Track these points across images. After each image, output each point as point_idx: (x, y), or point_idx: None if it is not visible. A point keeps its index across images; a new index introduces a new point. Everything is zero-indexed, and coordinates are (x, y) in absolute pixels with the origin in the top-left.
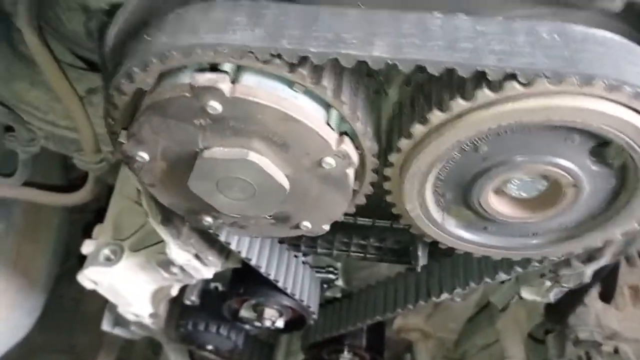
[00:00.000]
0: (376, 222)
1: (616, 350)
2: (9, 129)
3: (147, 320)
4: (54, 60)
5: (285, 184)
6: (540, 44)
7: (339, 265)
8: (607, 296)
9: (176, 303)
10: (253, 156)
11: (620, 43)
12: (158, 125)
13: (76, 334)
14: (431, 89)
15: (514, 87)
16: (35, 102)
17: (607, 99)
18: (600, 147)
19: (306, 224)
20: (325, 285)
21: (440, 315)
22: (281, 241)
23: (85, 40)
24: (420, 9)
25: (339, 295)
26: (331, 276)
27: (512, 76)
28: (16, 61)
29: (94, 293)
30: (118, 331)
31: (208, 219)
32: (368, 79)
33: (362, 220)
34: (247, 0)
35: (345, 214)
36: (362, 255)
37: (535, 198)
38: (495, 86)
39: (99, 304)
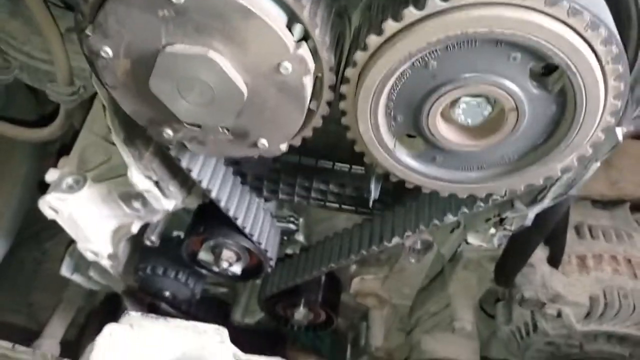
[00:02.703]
0: (336, 164)
1: (559, 315)
2: None
3: (106, 262)
4: None
5: (244, 88)
6: None
7: (301, 220)
8: (554, 262)
9: (136, 251)
10: (213, 54)
11: None
12: (123, 16)
13: (35, 293)
14: (389, 3)
15: None
16: (13, 32)
17: (547, 14)
18: (543, 74)
19: (263, 141)
20: (285, 237)
21: (396, 278)
22: (244, 182)
23: None
24: None
25: (298, 252)
26: (292, 226)
27: None
28: None
29: (56, 253)
30: (76, 278)
31: (169, 131)
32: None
33: (322, 163)
34: None
35: (306, 152)
36: (322, 201)
37: (480, 125)
38: None
39: (60, 264)
